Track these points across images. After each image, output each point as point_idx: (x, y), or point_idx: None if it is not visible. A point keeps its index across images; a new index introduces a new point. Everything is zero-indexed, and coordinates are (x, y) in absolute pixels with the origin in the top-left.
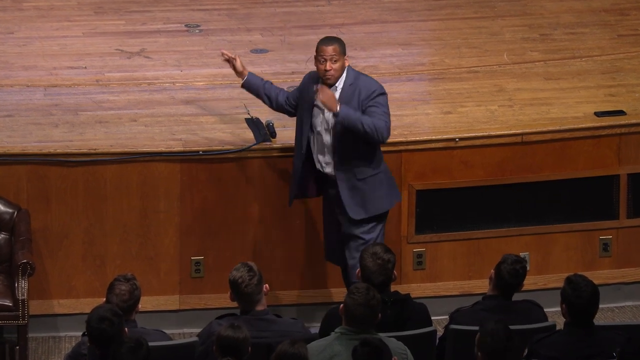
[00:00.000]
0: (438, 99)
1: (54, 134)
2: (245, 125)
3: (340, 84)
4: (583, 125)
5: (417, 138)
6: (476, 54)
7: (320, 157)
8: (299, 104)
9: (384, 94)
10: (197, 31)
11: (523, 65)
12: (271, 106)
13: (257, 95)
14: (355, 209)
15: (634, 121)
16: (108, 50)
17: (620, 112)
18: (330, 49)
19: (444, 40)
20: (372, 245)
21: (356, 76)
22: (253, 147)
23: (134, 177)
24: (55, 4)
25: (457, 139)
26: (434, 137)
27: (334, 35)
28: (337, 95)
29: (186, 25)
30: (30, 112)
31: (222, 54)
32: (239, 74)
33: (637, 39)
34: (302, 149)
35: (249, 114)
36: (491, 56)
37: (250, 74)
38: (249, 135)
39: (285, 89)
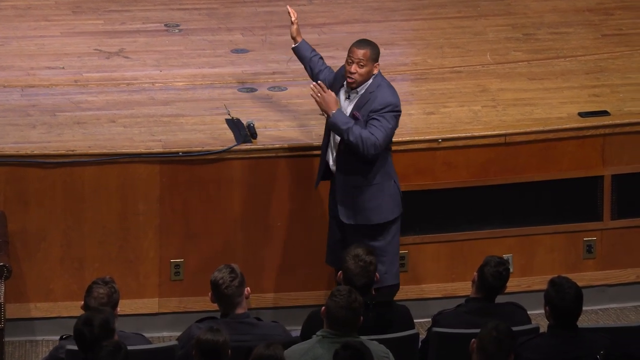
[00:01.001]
0: (421, 100)
1: (32, 135)
2: (226, 126)
3: (362, 90)
4: (567, 126)
5: (400, 139)
6: (459, 53)
7: (330, 154)
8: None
9: (395, 111)
10: (176, 31)
11: (506, 65)
12: (311, 78)
13: (303, 63)
14: (346, 213)
15: (618, 122)
16: (86, 50)
17: (605, 113)
18: (360, 53)
19: (427, 40)
20: (354, 247)
21: (380, 85)
22: (234, 148)
23: (113, 178)
24: (32, 3)
25: (440, 140)
26: (416, 138)
27: (365, 38)
28: (356, 99)
29: (166, 25)
30: (7, 112)
31: (289, 12)
32: (292, 38)
33: (621, 39)
34: (327, 138)
35: (229, 114)
36: (474, 56)
37: (303, 41)
38: (229, 136)
39: (330, 69)
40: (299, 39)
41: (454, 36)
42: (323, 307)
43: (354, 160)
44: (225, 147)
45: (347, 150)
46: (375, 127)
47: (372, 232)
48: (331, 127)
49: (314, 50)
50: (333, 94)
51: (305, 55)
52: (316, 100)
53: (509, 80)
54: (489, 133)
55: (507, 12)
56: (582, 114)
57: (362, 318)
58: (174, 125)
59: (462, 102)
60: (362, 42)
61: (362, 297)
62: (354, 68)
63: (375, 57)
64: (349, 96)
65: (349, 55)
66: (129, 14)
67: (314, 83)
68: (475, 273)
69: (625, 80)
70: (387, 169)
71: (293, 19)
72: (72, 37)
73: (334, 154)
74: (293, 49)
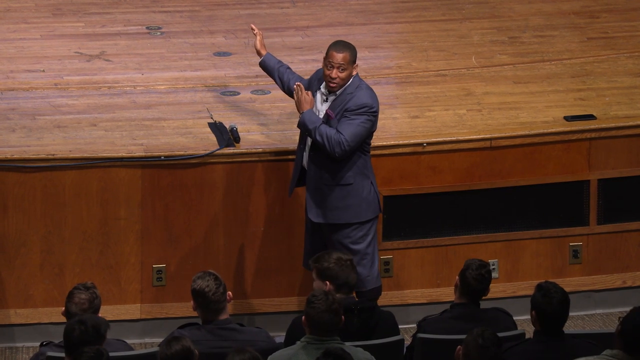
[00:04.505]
0: (405, 103)
1: (11, 139)
2: (208, 130)
3: (340, 91)
4: (553, 130)
5: (384, 143)
6: (444, 57)
7: (305, 154)
8: None
9: (370, 113)
10: (158, 33)
11: (492, 68)
12: (282, 89)
13: (271, 76)
14: (315, 211)
15: (604, 125)
16: (67, 53)
17: (590, 117)
18: (340, 57)
19: (411, 43)
20: (333, 253)
21: (359, 86)
22: (216, 152)
23: (94, 183)
24: (12, 5)
25: (424, 144)
26: (401, 142)
27: (341, 40)
28: (330, 100)
29: (147, 28)
30: None
31: (252, 28)
32: (257, 51)
33: (607, 42)
34: (302, 143)
35: (212, 118)
36: (459, 59)
37: (267, 54)
38: (212, 140)
39: (299, 77)
40: (263, 52)
41: (439, 39)
42: (303, 317)
43: (325, 159)
44: (207, 151)
45: (319, 149)
46: (344, 126)
47: (349, 234)
48: (300, 125)
49: (280, 61)
50: (311, 95)
51: (272, 66)
52: (295, 100)
53: (494, 83)
54: (474, 137)
55: (492, 15)
56: (568, 118)
57: (343, 318)
58: (155, 129)
59: (447, 106)
60: (340, 46)
61: (338, 297)
62: (334, 73)
63: (354, 59)
64: (326, 99)
65: (328, 59)
66: (110, 16)
67: (298, 82)
68: (457, 278)
69: (611, 83)
70: (363, 170)
71: (256, 31)
72: (52, 39)
73: (307, 153)
74: (259, 63)
